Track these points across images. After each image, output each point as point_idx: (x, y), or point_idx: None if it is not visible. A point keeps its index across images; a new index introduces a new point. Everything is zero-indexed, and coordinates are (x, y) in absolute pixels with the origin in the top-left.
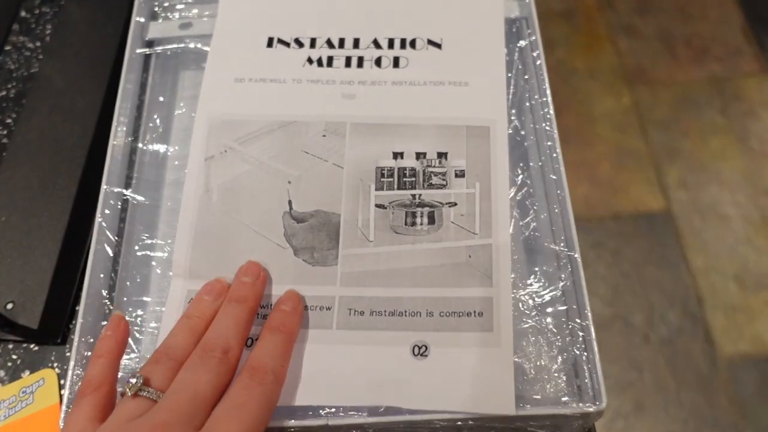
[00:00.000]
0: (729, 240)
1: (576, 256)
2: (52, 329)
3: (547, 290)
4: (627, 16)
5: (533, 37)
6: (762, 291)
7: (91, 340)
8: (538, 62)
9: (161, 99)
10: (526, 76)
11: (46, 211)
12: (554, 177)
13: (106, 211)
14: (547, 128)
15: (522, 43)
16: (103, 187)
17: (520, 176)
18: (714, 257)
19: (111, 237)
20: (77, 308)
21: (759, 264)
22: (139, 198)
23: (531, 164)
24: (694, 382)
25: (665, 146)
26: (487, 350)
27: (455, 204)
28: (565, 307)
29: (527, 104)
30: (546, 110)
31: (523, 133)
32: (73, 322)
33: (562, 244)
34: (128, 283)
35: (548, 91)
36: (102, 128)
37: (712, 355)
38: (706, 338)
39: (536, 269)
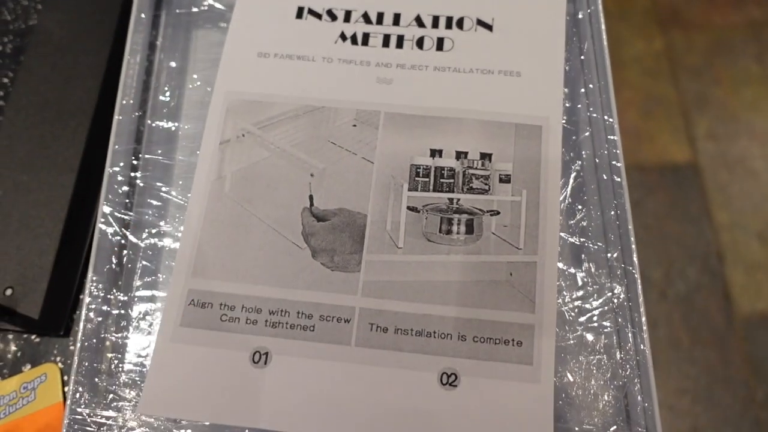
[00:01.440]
0: (755, 196)
1: (634, 271)
2: (55, 320)
3: (597, 303)
4: None
5: (593, 7)
6: None
7: (100, 334)
8: (600, 39)
9: (173, 64)
10: (582, 57)
11: (47, 185)
12: (615, 178)
13: (110, 196)
14: (607, 119)
15: (580, 14)
16: (107, 169)
17: (572, 172)
18: (739, 213)
19: (116, 226)
20: (81, 296)
21: None
22: (147, 182)
23: (584, 156)
24: (709, 339)
25: (696, 94)
26: (525, 386)
27: (498, 213)
28: (616, 326)
29: (582, 90)
30: (604, 97)
31: (575, 119)
32: (77, 312)
33: (616, 254)
34: (138, 270)
35: (609, 75)
36: (108, 90)
37: (729, 313)
38: (724, 296)
39: (583, 276)
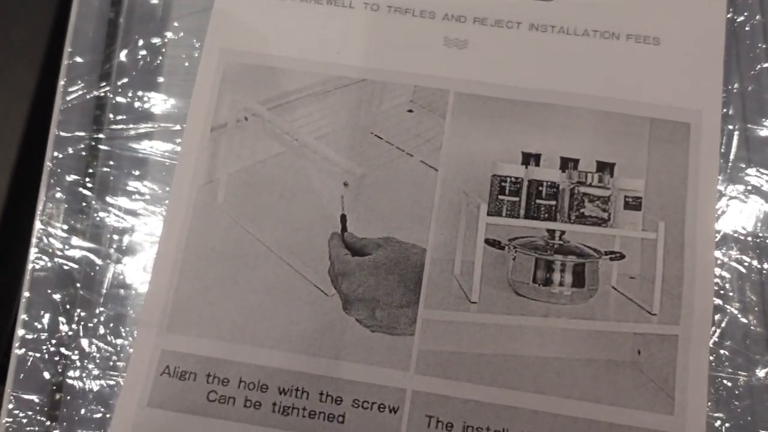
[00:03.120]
0: None
1: None
2: None
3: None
4: None
5: None
6: None
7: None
8: None
9: (152, 1)
10: (747, 27)
11: None
12: None
13: (50, 205)
14: None
15: None
16: (46, 163)
17: (727, 197)
18: None
19: (57, 249)
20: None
21: None
22: (103, 186)
23: (743, 176)
24: None
25: None
26: None
27: (622, 256)
28: None
29: (737, 83)
30: None
31: (733, 116)
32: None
33: None
34: (91, 320)
35: None
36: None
37: None
38: None
39: (746, 359)
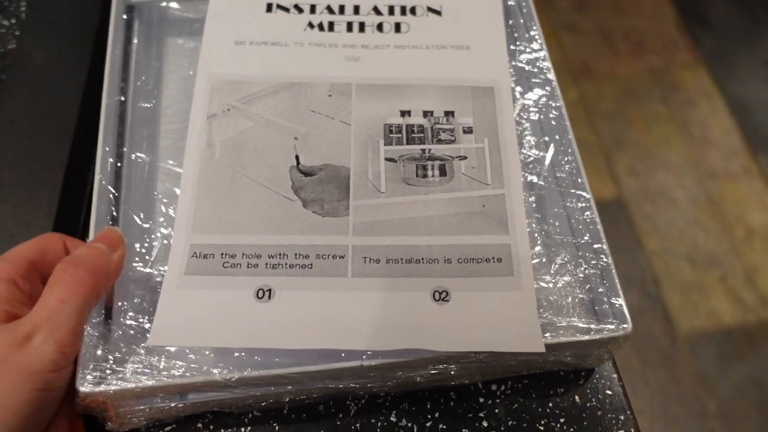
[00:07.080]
0: (679, 222)
1: (588, 196)
2: None
3: (559, 224)
4: (567, 14)
5: None
6: (712, 268)
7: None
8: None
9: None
10: (516, 34)
11: (34, 195)
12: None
13: (105, 169)
14: (544, 65)
15: (511, 1)
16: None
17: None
18: (666, 239)
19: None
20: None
21: (707, 243)
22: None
23: (532, 111)
24: (657, 360)
25: (613, 136)
26: (509, 293)
27: (465, 157)
28: (578, 240)
29: (515, 62)
30: (543, 54)
31: (521, 80)
32: None
33: (567, 179)
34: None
35: (540, 38)
36: (89, 103)
37: (671, 332)
38: (665, 317)
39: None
